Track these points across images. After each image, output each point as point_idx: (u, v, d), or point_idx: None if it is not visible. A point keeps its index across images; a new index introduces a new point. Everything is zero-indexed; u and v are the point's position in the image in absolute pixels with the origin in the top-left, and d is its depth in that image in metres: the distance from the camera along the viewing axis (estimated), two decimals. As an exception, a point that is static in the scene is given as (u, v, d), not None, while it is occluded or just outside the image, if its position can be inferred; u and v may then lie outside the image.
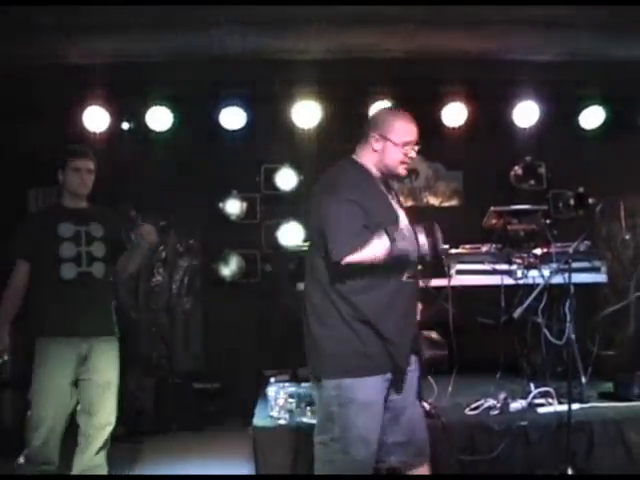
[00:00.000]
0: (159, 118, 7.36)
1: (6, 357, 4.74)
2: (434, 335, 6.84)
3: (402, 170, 3.98)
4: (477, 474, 5.06)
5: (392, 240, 3.66)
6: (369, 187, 3.91)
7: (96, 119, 7.20)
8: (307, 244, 4.19)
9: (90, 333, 4.68)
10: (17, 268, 4.70)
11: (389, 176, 4.06)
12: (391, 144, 3.92)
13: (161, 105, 7.32)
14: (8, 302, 4.70)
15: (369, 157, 3.99)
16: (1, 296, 4.73)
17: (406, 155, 3.94)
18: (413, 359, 4.06)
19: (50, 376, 4.59)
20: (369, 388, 3.80)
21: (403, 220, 3.94)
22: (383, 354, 3.81)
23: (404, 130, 3.96)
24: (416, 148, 3.99)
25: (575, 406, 5.31)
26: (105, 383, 4.72)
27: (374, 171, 3.98)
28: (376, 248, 3.69)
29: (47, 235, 4.69)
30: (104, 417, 4.72)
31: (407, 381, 3.99)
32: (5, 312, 4.70)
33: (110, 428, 4.74)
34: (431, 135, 7.54)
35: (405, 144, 3.93)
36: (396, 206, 4.01)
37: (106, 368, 4.75)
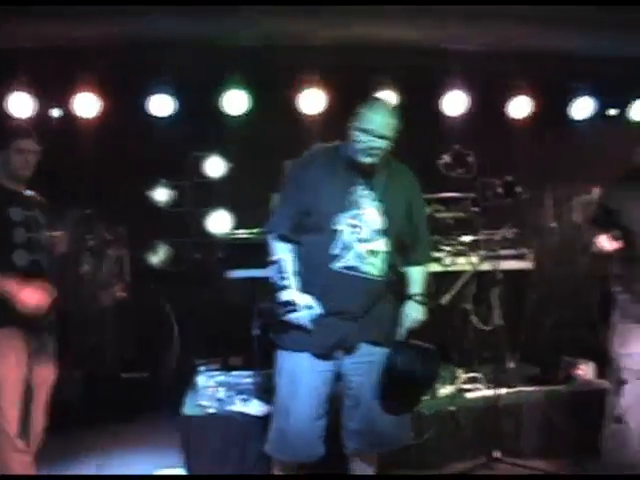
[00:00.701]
0: (86, 104, 7.21)
1: None
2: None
3: (361, 157, 3.96)
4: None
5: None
6: (323, 171, 4.03)
7: (21, 105, 7.03)
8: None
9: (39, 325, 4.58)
10: None
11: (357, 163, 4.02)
12: (353, 129, 3.98)
13: (88, 91, 7.18)
14: None
15: (350, 143, 4.03)
16: None
17: (364, 143, 3.94)
18: (374, 350, 4.08)
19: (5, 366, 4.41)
20: (295, 362, 4.01)
21: (367, 213, 3.99)
22: (318, 333, 3.95)
23: (367, 118, 3.96)
24: (379, 141, 3.96)
25: (502, 390, 5.40)
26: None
27: (355, 158, 3.99)
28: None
29: None
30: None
31: (362, 370, 4.06)
32: None
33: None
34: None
35: (364, 131, 3.93)
36: (363, 198, 4.01)
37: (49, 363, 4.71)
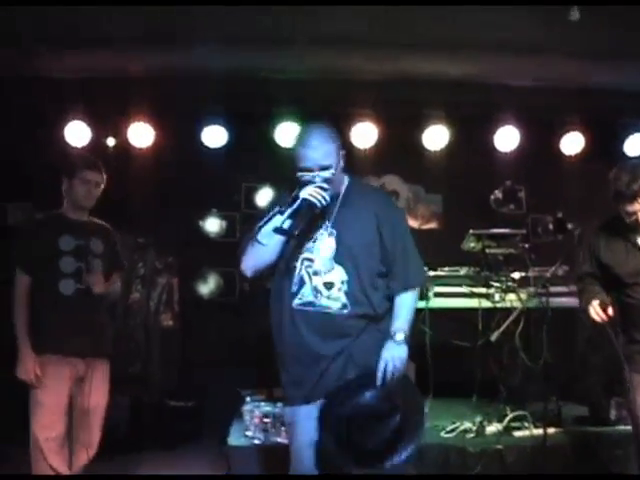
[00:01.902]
0: (141, 134, 7.33)
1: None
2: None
3: (311, 198, 3.68)
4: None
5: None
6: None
7: (78, 134, 7.16)
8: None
9: (88, 353, 4.58)
10: (18, 282, 4.46)
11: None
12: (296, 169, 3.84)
13: (143, 121, 7.29)
14: (21, 317, 4.44)
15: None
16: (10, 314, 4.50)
17: (308, 182, 3.75)
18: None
19: (47, 394, 4.44)
20: (291, 414, 3.83)
21: (320, 244, 3.73)
22: (300, 383, 3.74)
23: (301, 155, 3.81)
24: (321, 174, 3.74)
25: (551, 430, 5.32)
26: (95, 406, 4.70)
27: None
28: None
29: (47, 248, 4.49)
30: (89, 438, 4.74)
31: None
32: (22, 328, 4.43)
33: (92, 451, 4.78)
34: (412, 157, 7.68)
35: (303, 170, 3.79)
36: (316, 228, 3.76)
37: (98, 391, 4.71)
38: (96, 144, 7.32)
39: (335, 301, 3.65)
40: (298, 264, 3.68)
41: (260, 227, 3.71)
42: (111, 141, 7.56)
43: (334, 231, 3.71)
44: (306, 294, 3.66)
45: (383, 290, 3.76)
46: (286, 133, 7.32)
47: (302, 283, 3.67)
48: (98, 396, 4.71)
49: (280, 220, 3.57)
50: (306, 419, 3.64)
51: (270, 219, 3.67)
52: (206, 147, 7.44)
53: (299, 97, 6.94)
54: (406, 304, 3.75)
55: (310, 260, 3.68)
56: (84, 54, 6.08)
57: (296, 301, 3.66)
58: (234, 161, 7.54)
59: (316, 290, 3.65)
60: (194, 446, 6.86)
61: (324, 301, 3.64)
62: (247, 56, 6.20)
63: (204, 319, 7.72)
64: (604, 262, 4.47)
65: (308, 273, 3.67)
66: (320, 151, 3.70)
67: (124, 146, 7.44)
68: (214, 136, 7.41)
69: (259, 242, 3.71)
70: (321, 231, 3.73)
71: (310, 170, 3.69)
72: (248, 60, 6.25)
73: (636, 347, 4.42)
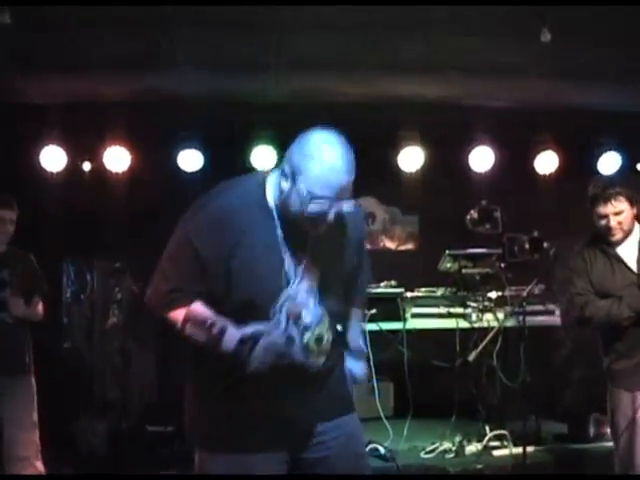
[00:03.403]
0: (117, 159, 7.31)
1: None
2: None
3: (310, 228, 2.77)
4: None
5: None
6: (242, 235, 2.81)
7: (53, 159, 7.15)
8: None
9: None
10: None
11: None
12: (296, 189, 2.71)
13: (119, 145, 7.28)
14: None
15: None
16: None
17: (315, 211, 2.70)
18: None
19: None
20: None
21: (302, 291, 2.82)
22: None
23: (320, 179, 2.68)
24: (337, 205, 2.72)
25: (530, 448, 5.34)
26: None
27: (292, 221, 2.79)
28: None
29: None
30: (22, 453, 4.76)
31: None
32: None
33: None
34: (387, 179, 7.70)
35: (316, 197, 2.67)
36: (300, 269, 2.83)
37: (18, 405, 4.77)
38: (72, 168, 7.31)
39: (323, 356, 2.89)
40: (283, 317, 2.77)
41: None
42: (87, 165, 7.54)
43: (316, 270, 2.86)
44: (296, 354, 2.78)
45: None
46: (262, 156, 7.32)
47: (291, 342, 2.77)
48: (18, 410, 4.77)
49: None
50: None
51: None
52: (182, 171, 7.43)
53: (274, 120, 6.95)
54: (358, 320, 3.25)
55: (298, 311, 2.79)
56: (60, 79, 6.08)
57: (282, 361, 2.73)
58: (210, 185, 7.51)
59: (307, 349, 2.81)
60: (174, 471, 6.82)
61: (314, 359, 2.85)
62: (222, 80, 6.22)
63: (182, 344, 7.67)
64: (593, 281, 4.50)
65: (297, 328, 2.79)
66: (350, 176, 2.74)
67: (100, 170, 7.42)
68: (190, 160, 7.39)
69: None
70: (300, 269, 2.83)
71: (323, 199, 2.67)
72: (223, 84, 6.27)
73: (622, 362, 4.43)
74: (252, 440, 2.86)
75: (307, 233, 2.79)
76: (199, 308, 2.75)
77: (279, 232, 2.81)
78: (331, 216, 2.69)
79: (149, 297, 2.98)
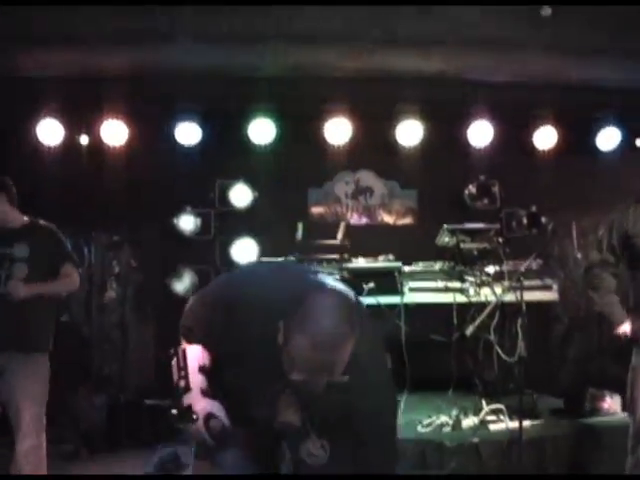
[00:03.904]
0: (114, 132, 7.30)
1: None
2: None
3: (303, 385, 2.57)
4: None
5: None
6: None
7: (50, 132, 7.13)
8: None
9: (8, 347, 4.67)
10: None
11: None
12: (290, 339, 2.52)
13: (117, 119, 7.26)
14: None
15: None
16: None
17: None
18: None
19: None
20: None
21: None
22: None
23: (312, 328, 2.47)
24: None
25: (526, 423, 5.35)
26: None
27: None
28: None
29: None
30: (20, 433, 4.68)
31: None
32: None
33: (27, 446, 4.67)
34: (386, 153, 7.70)
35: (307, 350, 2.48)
36: None
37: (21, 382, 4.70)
38: (69, 142, 7.29)
39: None
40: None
41: None
42: (84, 139, 7.53)
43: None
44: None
45: None
46: (260, 130, 7.31)
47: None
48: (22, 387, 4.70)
49: None
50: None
51: None
52: (180, 144, 7.42)
53: (273, 94, 6.93)
54: None
55: None
56: (57, 52, 6.05)
57: None
58: (208, 158, 7.52)
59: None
60: (172, 444, 6.84)
61: None
62: (221, 53, 6.19)
63: (179, 316, 7.69)
64: (630, 233, 4.45)
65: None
66: (341, 329, 2.48)
67: (97, 144, 7.40)
68: (188, 133, 7.39)
69: None
70: None
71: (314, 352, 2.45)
72: (222, 57, 6.24)
73: None
74: None
75: None
76: (191, 353, 2.90)
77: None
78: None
79: None
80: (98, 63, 6.23)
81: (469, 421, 5.61)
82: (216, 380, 2.88)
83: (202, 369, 2.87)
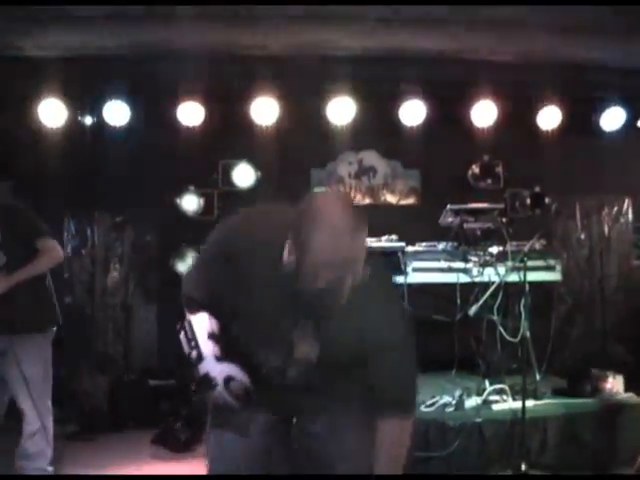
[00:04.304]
0: (116, 113, 7.29)
1: None
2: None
3: (312, 299, 2.52)
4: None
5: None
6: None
7: (53, 112, 7.11)
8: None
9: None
10: None
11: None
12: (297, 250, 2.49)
13: (118, 100, 7.25)
14: None
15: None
16: None
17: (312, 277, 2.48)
18: None
19: None
20: None
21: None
22: None
23: (315, 242, 2.42)
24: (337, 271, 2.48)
25: (529, 403, 5.37)
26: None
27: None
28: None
29: None
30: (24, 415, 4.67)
31: None
32: None
33: (32, 428, 4.65)
34: (389, 133, 7.68)
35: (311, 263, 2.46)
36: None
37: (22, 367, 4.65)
38: (72, 123, 7.28)
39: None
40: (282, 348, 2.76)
41: None
42: (87, 119, 7.52)
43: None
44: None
45: None
46: (262, 109, 7.29)
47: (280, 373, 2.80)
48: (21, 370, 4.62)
49: None
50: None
51: None
52: (183, 125, 7.40)
53: (276, 73, 6.91)
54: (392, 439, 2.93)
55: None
56: (59, 32, 6.02)
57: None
58: (211, 138, 7.50)
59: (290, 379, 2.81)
60: (175, 424, 6.87)
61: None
62: (223, 32, 6.16)
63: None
64: None
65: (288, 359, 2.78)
66: (346, 244, 2.45)
67: (100, 125, 7.40)
68: (190, 113, 7.36)
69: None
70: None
71: (319, 264, 2.43)
72: (224, 36, 6.21)
73: None
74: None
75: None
76: (197, 323, 2.88)
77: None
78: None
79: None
80: (101, 43, 6.20)
81: (472, 401, 5.62)
82: (227, 343, 2.88)
83: (211, 336, 2.87)
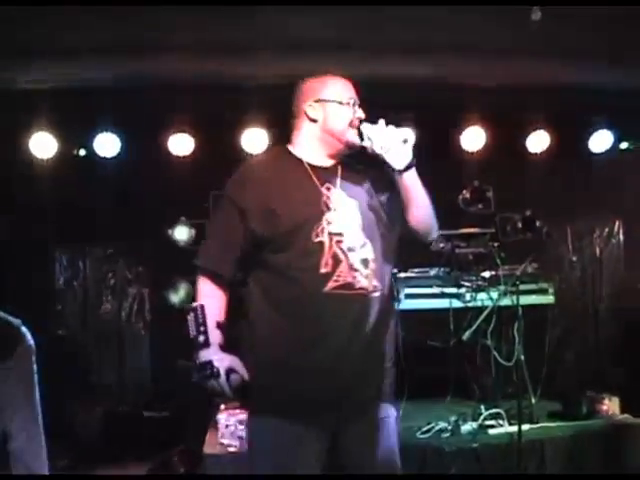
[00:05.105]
0: (107, 145, 7.29)
1: None
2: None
3: (353, 136, 3.18)
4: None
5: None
6: (281, 182, 3.12)
7: (44, 145, 7.11)
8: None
9: None
10: None
11: (339, 150, 3.23)
12: (334, 104, 3.23)
13: (108, 131, 7.26)
14: None
15: (306, 137, 3.24)
16: None
17: (354, 114, 3.24)
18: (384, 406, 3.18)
19: None
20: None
21: (343, 215, 3.07)
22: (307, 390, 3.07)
23: (343, 86, 3.32)
24: (361, 113, 3.28)
25: (525, 427, 5.35)
26: None
27: (312, 157, 3.19)
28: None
29: None
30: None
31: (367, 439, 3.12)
32: None
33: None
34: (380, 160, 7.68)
35: (350, 101, 3.27)
36: (337, 198, 3.10)
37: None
38: (63, 155, 7.28)
39: (370, 281, 3.03)
40: (325, 239, 2.98)
41: None
42: (78, 151, 7.52)
43: (353, 201, 3.14)
44: (343, 274, 2.96)
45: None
46: (252, 139, 7.30)
47: (337, 261, 2.97)
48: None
49: None
50: (311, 442, 2.99)
51: None
52: (173, 155, 7.41)
53: (265, 103, 6.93)
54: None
55: (339, 234, 3.01)
56: (50, 64, 6.04)
57: (330, 284, 2.93)
58: (201, 169, 7.51)
59: (353, 269, 2.99)
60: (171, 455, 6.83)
61: (363, 282, 3.01)
62: (212, 63, 6.18)
63: (176, 328, 7.67)
64: None
65: (342, 249, 2.99)
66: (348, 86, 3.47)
67: (91, 157, 7.40)
68: (181, 144, 7.37)
69: None
70: (339, 199, 3.11)
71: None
72: (214, 67, 6.24)
73: None
74: (300, 404, 2.96)
75: (335, 170, 3.18)
76: (209, 309, 3.01)
77: (309, 171, 3.12)
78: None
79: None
80: (91, 75, 6.23)
81: (468, 426, 5.60)
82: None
83: (219, 325, 3.02)
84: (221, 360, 2.93)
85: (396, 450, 3.20)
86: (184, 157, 7.42)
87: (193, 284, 7.05)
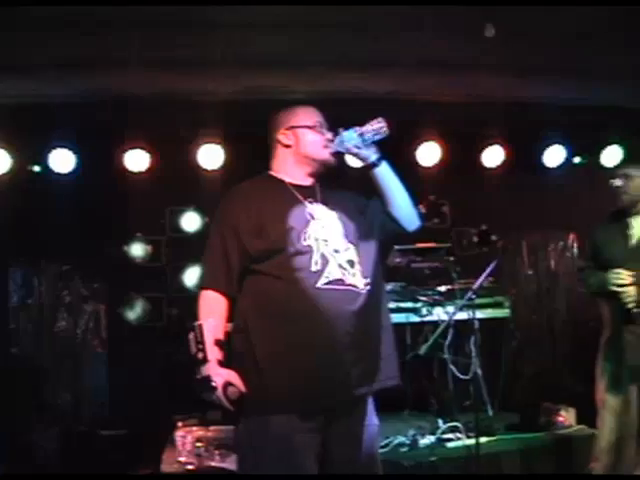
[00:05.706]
0: (62, 160, 7.21)
1: None
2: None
3: (327, 154, 3.57)
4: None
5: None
6: (267, 200, 3.43)
7: (-3, 161, 7.03)
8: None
9: None
10: None
11: (315, 168, 3.59)
12: (303, 129, 3.57)
13: (64, 147, 7.19)
14: None
15: (283, 161, 3.59)
16: None
17: (323, 135, 3.57)
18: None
19: None
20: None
21: (326, 225, 3.41)
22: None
23: (309, 112, 3.66)
24: (328, 134, 3.60)
25: (483, 439, 5.38)
26: None
27: (293, 177, 3.54)
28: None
29: None
30: None
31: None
32: None
33: None
34: (334, 175, 7.70)
35: (317, 124, 3.60)
36: (319, 210, 3.46)
37: None
38: (17, 171, 7.20)
39: (358, 279, 3.33)
40: (312, 242, 3.29)
41: None
42: (32, 167, 7.44)
43: (334, 212, 3.50)
44: (333, 272, 3.26)
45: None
46: (209, 155, 7.27)
47: (325, 261, 3.27)
48: None
49: None
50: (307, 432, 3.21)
51: None
52: (129, 171, 7.36)
53: (223, 119, 6.92)
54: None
55: (325, 240, 3.33)
56: (3, 79, 5.98)
57: (322, 280, 3.22)
58: (157, 185, 7.47)
59: (342, 267, 3.30)
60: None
61: (352, 279, 3.30)
62: (167, 79, 6.16)
63: (133, 345, 7.62)
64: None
65: (329, 251, 3.31)
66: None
67: (46, 173, 7.32)
68: (136, 160, 7.32)
69: None
70: (321, 211, 3.47)
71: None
72: (171, 82, 6.22)
73: None
74: (292, 399, 3.19)
75: (314, 187, 3.56)
76: (207, 328, 3.20)
77: (291, 189, 3.47)
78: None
79: None
80: (46, 91, 6.17)
81: (426, 440, 5.62)
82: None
83: (217, 342, 3.23)
84: (219, 375, 3.15)
85: (378, 456, 3.50)
86: (140, 173, 7.35)
87: (149, 301, 7.11)
